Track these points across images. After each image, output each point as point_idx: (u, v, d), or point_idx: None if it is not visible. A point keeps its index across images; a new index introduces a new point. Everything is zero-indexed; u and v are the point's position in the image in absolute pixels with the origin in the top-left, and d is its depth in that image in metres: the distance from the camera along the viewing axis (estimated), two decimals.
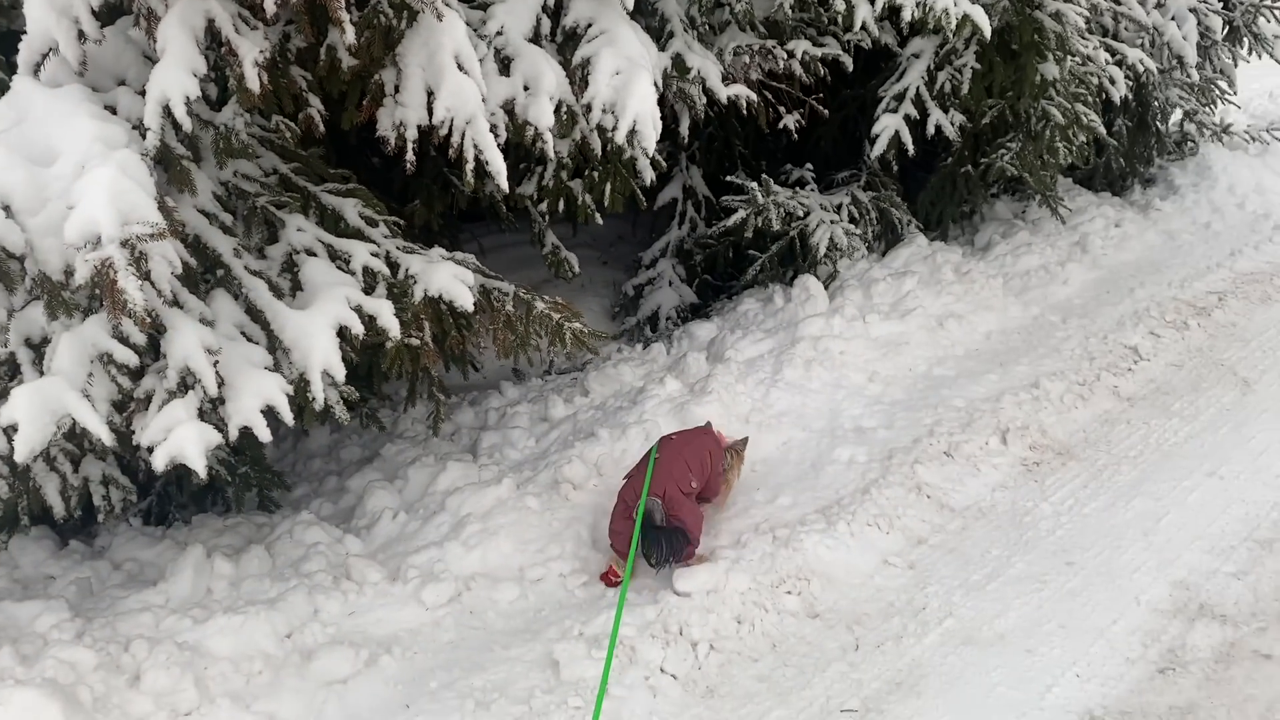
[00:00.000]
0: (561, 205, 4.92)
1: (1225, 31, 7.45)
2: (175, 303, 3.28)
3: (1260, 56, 7.59)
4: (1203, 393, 5.31)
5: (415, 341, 3.90)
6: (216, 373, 3.25)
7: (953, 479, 4.57)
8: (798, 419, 5.05)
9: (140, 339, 3.13)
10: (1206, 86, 7.43)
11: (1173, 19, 7.12)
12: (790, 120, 5.86)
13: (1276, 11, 7.37)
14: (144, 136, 3.15)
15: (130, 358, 3.14)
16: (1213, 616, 3.68)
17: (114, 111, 3.25)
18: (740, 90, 5.10)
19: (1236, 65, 7.69)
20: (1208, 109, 7.80)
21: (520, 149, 4.34)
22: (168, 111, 3.11)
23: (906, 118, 6.03)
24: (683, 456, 4.05)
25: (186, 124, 3.12)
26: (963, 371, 5.50)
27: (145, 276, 2.96)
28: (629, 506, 3.90)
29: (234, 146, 3.57)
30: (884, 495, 4.36)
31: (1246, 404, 5.19)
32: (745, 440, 4.57)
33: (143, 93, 3.20)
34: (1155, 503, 4.38)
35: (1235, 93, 7.88)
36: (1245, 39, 7.47)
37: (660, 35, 5.00)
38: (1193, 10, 7.18)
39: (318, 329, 3.46)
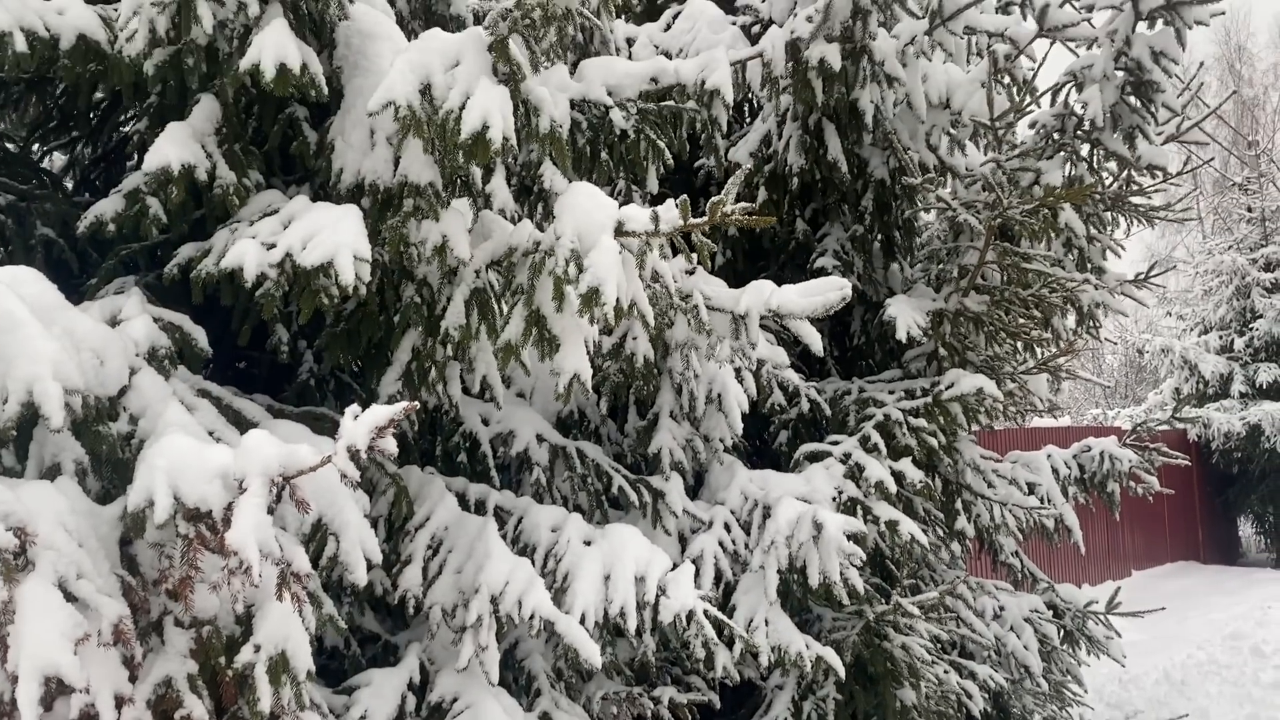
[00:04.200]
0: None
1: (1062, 636, 8.00)
2: None
3: (1099, 658, 8.10)
4: None
5: None
6: None
7: None
8: None
9: None
10: (1058, 691, 7.78)
11: (1011, 629, 7.65)
12: None
13: (1103, 618, 8.02)
14: None
15: None
16: None
17: None
18: None
19: (1080, 665, 8.15)
20: (1065, 712, 8.10)
21: None
22: None
23: None
24: None
25: None
26: None
27: None
28: None
29: None
30: None
31: None
32: None
33: None
34: None
35: (1085, 692, 8.25)
36: (1081, 642, 8.01)
37: (528, 691, 5.07)
38: (1028, 620, 7.75)
39: None
